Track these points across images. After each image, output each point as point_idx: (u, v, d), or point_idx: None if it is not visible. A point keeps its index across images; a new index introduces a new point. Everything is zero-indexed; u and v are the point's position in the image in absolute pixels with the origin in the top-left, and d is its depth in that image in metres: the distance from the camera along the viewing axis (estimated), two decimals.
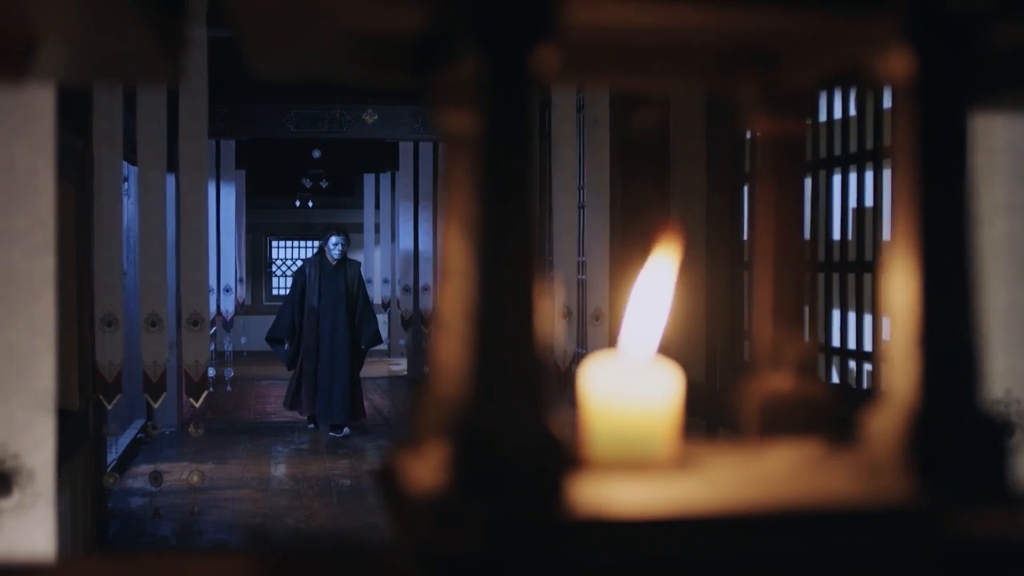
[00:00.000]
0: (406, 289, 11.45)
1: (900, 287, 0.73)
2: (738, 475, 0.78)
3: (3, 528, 1.76)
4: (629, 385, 0.79)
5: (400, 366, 15.66)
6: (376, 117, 10.05)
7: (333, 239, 10.20)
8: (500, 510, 0.62)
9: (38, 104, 1.77)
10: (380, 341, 10.84)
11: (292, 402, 10.38)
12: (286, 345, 10.32)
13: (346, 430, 10.17)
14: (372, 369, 15.78)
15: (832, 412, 0.92)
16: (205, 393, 6.05)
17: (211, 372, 6.43)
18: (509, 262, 0.65)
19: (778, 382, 0.93)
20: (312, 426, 10.43)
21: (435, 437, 0.88)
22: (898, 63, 0.72)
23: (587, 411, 0.78)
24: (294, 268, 18.59)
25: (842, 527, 0.70)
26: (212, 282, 9.95)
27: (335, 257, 10.15)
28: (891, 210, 0.73)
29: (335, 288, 10.13)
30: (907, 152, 0.72)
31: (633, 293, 0.84)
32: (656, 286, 0.85)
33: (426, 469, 0.77)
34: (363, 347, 10.37)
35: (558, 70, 0.66)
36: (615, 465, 0.77)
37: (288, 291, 10.78)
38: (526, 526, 0.62)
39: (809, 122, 0.92)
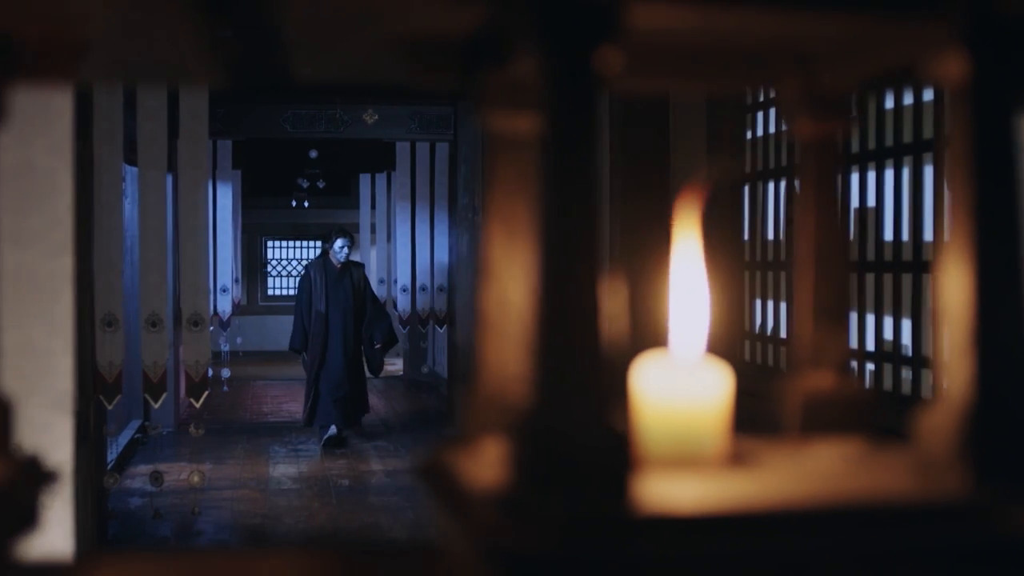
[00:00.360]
0: (403, 289, 11.45)
1: (954, 287, 0.74)
2: (789, 472, 0.79)
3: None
4: (680, 384, 0.80)
5: (396, 366, 15.65)
6: (376, 117, 10.05)
7: (339, 241, 9.88)
8: (570, 508, 0.63)
9: (56, 106, 1.77)
10: (396, 340, 10.43)
11: (308, 418, 9.92)
12: (304, 356, 9.97)
13: (344, 435, 9.87)
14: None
15: (873, 411, 0.93)
16: (206, 393, 6.04)
17: (210, 372, 6.43)
18: (574, 262, 0.66)
19: (819, 381, 0.93)
20: (332, 431, 9.77)
21: (483, 435, 0.89)
22: (952, 65, 0.73)
23: (639, 410, 0.79)
24: (289, 268, 18.58)
25: (898, 523, 0.70)
26: (209, 282, 9.83)
27: (340, 260, 9.85)
28: (946, 212, 0.74)
29: (342, 292, 9.83)
30: (960, 154, 0.73)
31: (672, 291, 0.85)
32: (692, 281, 0.85)
33: (484, 467, 0.78)
34: (377, 345, 10.02)
35: (620, 70, 0.67)
36: (668, 463, 0.77)
37: (296, 300, 10.31)
38: (596, 524, 0.63)
39: (850, 123, 0.93)
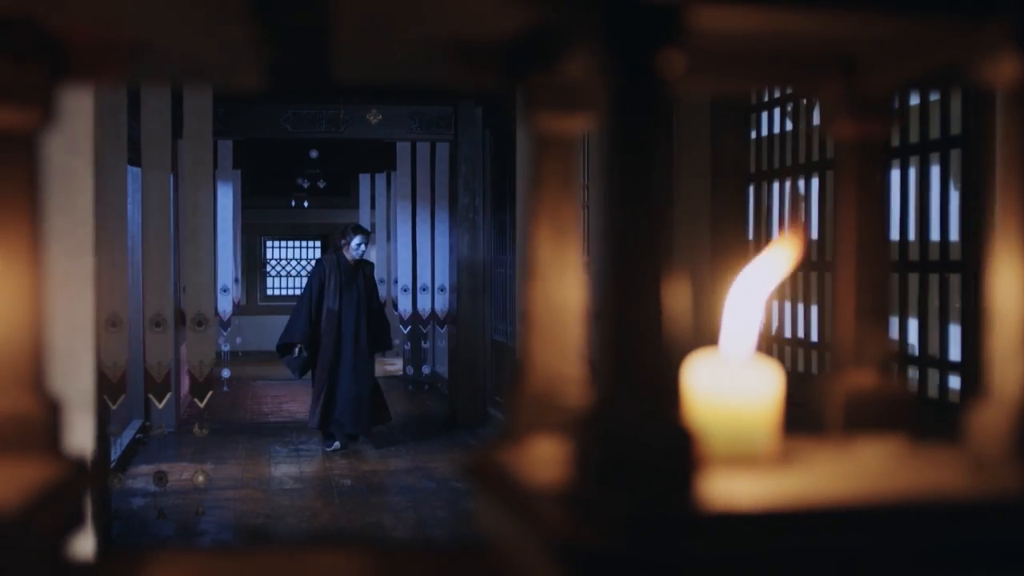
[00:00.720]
0: (404, 290, 11.45)
1: (1006, 288, 0.75)
2: (839, 469, 0.80)
3: None
4: (732, 383, 0.80)
5: (395, 366, 15.64)
6: (380, 117, 10.05)
7: (357, 239, 9.48)
8: (637, 506, 0.63)
9: (76, 105, 1.78)
10: (390, 346, 10.23)
11: (321, 421, 9.52)
12: (297, 352, 9.51)
13: (336, 444, 9.48)
14: None
15: (914, 410, 0.94)
16: (210, 393, 6.05)
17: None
18: (639, 262, 0.66)
19: (861, 380, 0.94)
20: (335, 447, 9.45)
21: (530, 433, 0.90)
22: (1005, 67, 0.74)
23: (692, 408, 0.79)
24: (289, 268, 18.57)
25: (952, 520, 0.71)
26: (214, 282, 9.74)
27: (355, 257, 9.48)
28: (997, 213, 0.75)
29: (355, 289, 9.47)
30: (1014, 156, 0.73)
31: (730, 294, 0.85)
32: (753, 287, 0.86)
33: (540, 466, 0.78)
34: (379, 351, 9.73)
35: (683, 72, 0.68)
36: (720, 461, 0.78)
37: (302, 292, 9.82)
38: (662, 521, 0.63)
39: (891, 123, 0.94)
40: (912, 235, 4.16)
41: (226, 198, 11.30)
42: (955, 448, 0.87)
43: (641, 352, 0.66)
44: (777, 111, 5.16)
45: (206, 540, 6.78)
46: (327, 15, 0.83)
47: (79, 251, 1.78)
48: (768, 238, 5.25)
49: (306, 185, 12.78)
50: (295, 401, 12.76)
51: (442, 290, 11.09)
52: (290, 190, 15.64)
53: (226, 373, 10.88)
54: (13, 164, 0.85)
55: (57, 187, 1.80)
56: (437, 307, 11.07)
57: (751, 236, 5.44)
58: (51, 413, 0.86)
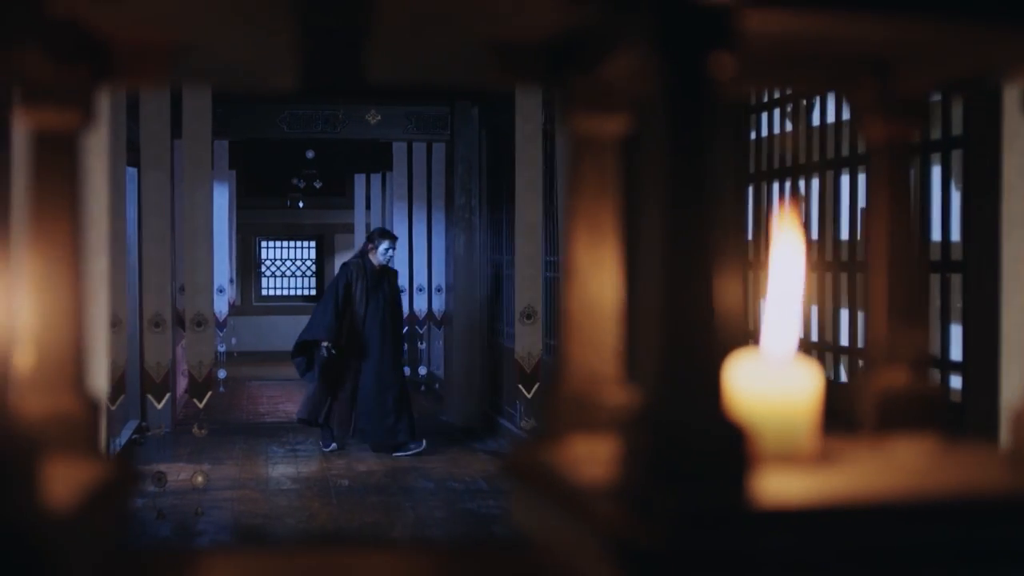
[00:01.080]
0: (401, 290, 11.45)
1: (1019, 287, 0.75)
2: (879, 467, 0.81)
3: None
4: (773, 382, 0.81)
5: None
6: (379, 118, 10.04)
7: (385, 244, 9.23)
8: (692, 503, 0.64)
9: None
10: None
11: (312, 415, 9.30)
12: (324, 351, 9.09)
13: (412, 446, 9.21)
14: None
15: (947, 409, 0.95)
16: (209, 394, 6.05)
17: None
18: (691, 262, 0.67)
19: (894, 379, 0.95)
20: (333, 448, 9.32)
21: (569, 432, 0.90)
22: None
23: (733, 406, 0.80)
24: (283, 268, 18.55)
25: (998, 518, 0.72)
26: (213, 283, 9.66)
27: (381, 263, 9.20)
28: (1005, 213, 0.76)
29: (381, 296, 9.19)
30: None
31: (768, 293, 0.86)
32: (787, 284, 0.87)
33: (588, 464, 0.79)
34: None
35: (734, 75, 0.68)
36: (763, 459, 0.79)
37: (327, 293, 9.41)
38: (718, 518, 0.64)
39: (922, 125, 0.95)
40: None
41: (221, 198, 11.29)
42: (988, 447, 0.88)
43: (693, 351, 0.67)
44: (777, 112, 5.17)
45: (204, 541, 6.78)
46: (370, 16, 0.84)
47: (94, 252, 1.78)
48: (767, 238, 5.26)
49: (302, 185, 12.78)
50: (291, 401, 12.76)
51: (439, 290, 11.09)
52: (285, 190, 15.65)
53: (222, 374, 10.87)
54: (55, 165, 0.86)
55: None
56: (434, 307, 11.07)
57: (750, 236, 5.45)
58: (92, 413, 0.87)
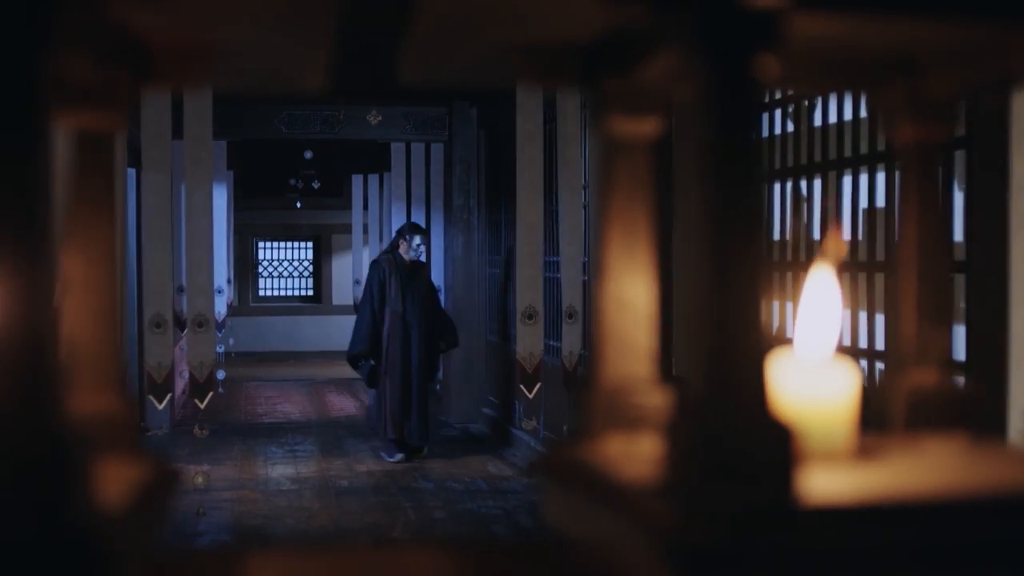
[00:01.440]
0: (437, 289, 11.44)
1: None
2: (916, 465, 0.82)
3: None
4: (811, 383, 0.82)
5: None
6: (380, 118, 10.04)
7: (417, 239, 8.88)
8: (742, 501, 0.65)
9: None
10: (457, 344, 9.51)
11: (378, 425, 9.03)
12: (364, 364, 8.86)
13: (425, 450, 9.00)
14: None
15: (977, 407, 0.96)
16: (211, 394, 6.05)
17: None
18: (738, 263, 0.68)
19: (923, 378, 0.96)
20: (399, 457, 8.90)
21: (603, 432, 0.91)
22: None
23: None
24: (280, 269, 18.54)
25: None
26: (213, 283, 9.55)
27: (412, 258, 8.87)
28: (1014, 214, 0.77)
29: (417, 291, 8.87)
30: None
31: (804, 296, 0.87)
32: (825, 288, 0.88)
33: (630, 463, 0.80)
34: (445, 349, 9.16)
35: (778, 77, 0.69)
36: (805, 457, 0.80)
37: (363, 297, 9.12)
38: (768, 516, 0.65)
39: (951, 127, 0.95)
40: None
41: (219, 199, 11.28)
42: (1017, 446, 0.89)
43: (740, 351, 0.67)
44: (779, 112, 5.18)
45: (205, 541, 6.78)
46: (409, 19, 0.84)
47: None
48: (770, 238, 5.27)
49: (300, 186, 12.78)
50: (289, 402, 12.76)
51: (438, 290, 11.09)
52: (282, 191, 15.64)
53: (221, 375, 10.86)
54: (96, 166, 0.86)
55: None
56: None
57: None
58: (134, 412, 0.87)
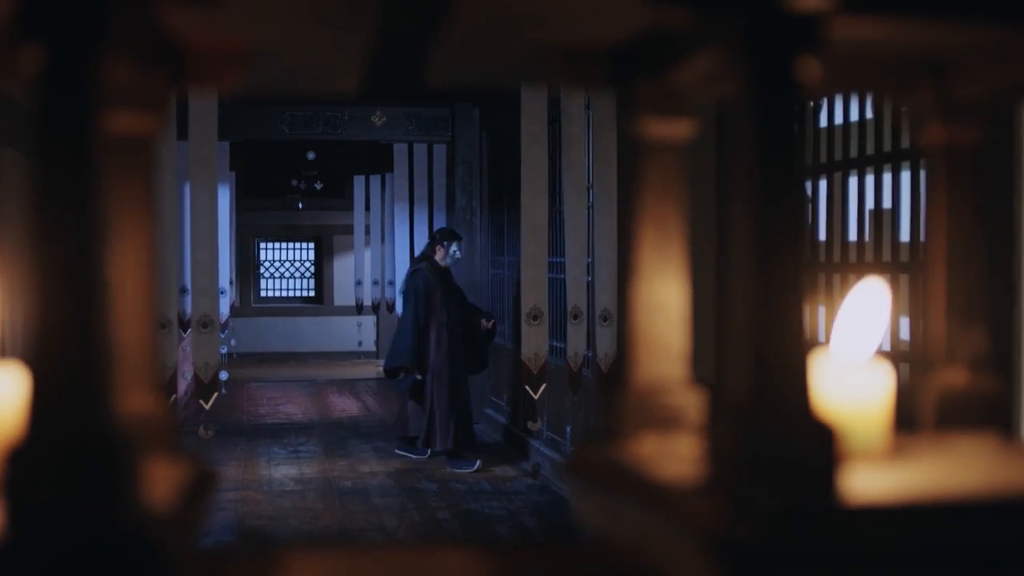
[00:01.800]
0: (402, 292, 11.43)
1: None
2: (953, 464, 0.82)
3: None
4: (847, 384, 0.82)
5: None
6: (385, 119, 10.05)
7: (455, 246, 8.81)
8: (788, 500, 0.65)
9: None
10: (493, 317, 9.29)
11: (414, 432, 8.86)
12: (405, 376, 8.71)
13: (477, 463, 8.74)
14: (361, 371, 15.80)
15: (1007, 407, 0.96)
16: (215, 395, 6.06)
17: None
18: (781, 262, 0.68)
19: (953, 378, 0.96)
20: (477, 465, 8.66)
21: (636, 432, 0.91)
22: None
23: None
24: (282, 270, 18.54)
25: None
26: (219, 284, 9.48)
27: (448, 265, 8.81)
28: None
29: (456, 297, 8.77)
30: None
31: (848, 299, 0.88)
32: (872, 293, 0.88)
33: (666, 462, 0.80)
34: (489, 323, 8.94)
35: (821, 80, 0.70)
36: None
37: (406, 309, 8.84)
38: (813, 514, 0.65)
39: (981, 129, 0.96)
40: (923, 236, 4.18)
41: (222, 200, 11.26)
42: None
43: (783, 351, 0.68)
44: None
45: (208, 542, 6.79)
46: (445, 20, 0.85)
47: None
48: None
49: (303, 187, 12.78)
50: (291, 403, 12.77)
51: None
52: (284, 192, 15.64)
53: (224, 375, 10.87)
54: (135, 169, 0.87)
55: None
56: None
57: None
58: (172, 412, 0.88)
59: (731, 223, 0.71)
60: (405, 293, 8.95)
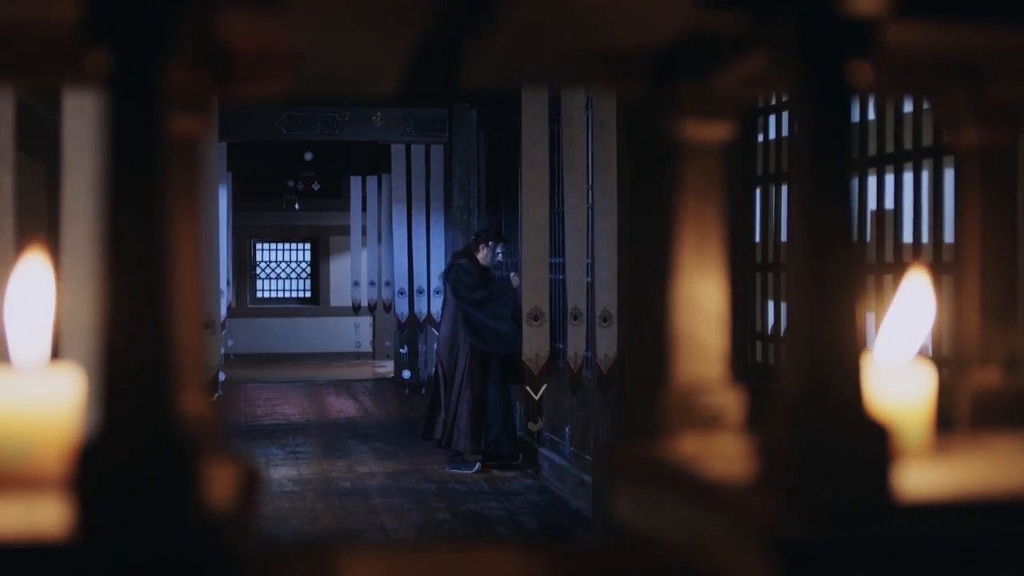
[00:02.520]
0: (401, 293, 11.44)
1: None
2: (996, 463, 0.83)
3: None
4: (888, 385, 0.83)
5: (386, 368, 15.65)
6: (384, 120, 10.05)
7: (501, 247, 8.59)
8: (844, 497, 0.66)
9: None
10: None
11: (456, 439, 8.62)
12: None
13: (477, 465, 8.57)
14: (358, 371, 15.81)
15: None
16: (216, 396, 6.05)
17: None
18: (836, 263, 0.69)
19: (987, 378, 0.97)
20: (477, 468, 8.57)
21: (675, 431, 0.92)
22: None
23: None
24: (278, 271, 18.53)
25: None
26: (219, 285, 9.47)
27: (490, 265, 8.55)
28: None
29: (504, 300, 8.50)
30: None
31: (895, 301, 0.89)
32: (913, 296, 0.89)
33: (718, 461, 0.81)
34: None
35: (872, 83, 0.71)
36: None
37: (467, 293, 8.48)
38: (867, 511, 0.66)
39: (1015, 132, 0.97)
40: (925, 238, 4.21)
41: (220, 200, 11.27)
42: None
43: (838, 351, 0.69)
44: (785, 115, 5.20)
45: None
46: (493, 23, 0.85)
47: None
48: (775, 240, 5.29)
49: (301, 188, 12.78)
50: (288, 403, 12.76)
51: (437, 293, 11.09)
52: (281, 192, 15.63)
53: (221, 376, 10.84)
54: (182, 170, 0.87)
55: None
56: (434, 310, 11.07)
57: (757, 239, 5.48)
58: (219, 412, 0.88)
59: (789, 226, 0.72)
60: (455, 284, 8.59)
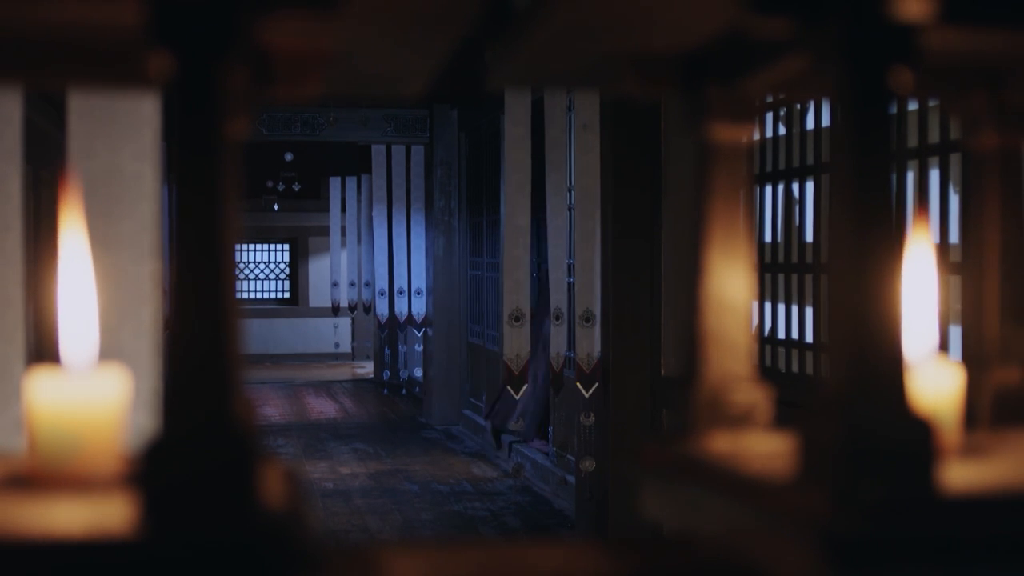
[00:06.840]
0: (381, 293, 11.44)
1: None
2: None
3: None
4: (916, 381, 0.85)
5: (365, 369, 15.64)
6: (367, 120, 10.04)
7: None
8: (892, 492, 0.68)
9: (144, 111, 1.80)
10: None
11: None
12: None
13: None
14: (337, 372, 15.77)
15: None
16: None
17: None
18: (878, 260, 0.71)
19: (1007, 377, 0.99)
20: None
21: (709, 429, 0.94)
22: None
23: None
24: (257, 272, 18.47)
25: None
26: None
27: None
28: None
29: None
30: None
31: (904, 294, 0.90)
32: (919, 284, 0.91)
33: (757, 457, 0.83)
34: None
35: (913, 87, 0.72)
36: None
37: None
38: (913, 505, 0.68)
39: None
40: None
41: None
42: None
43: (880, 346, 0.70)
44: (769, 116, 5.23)
45: None
46: (526, 26, 0.87)
47: (146, 256, 1.81)
48: (775, 241, 5.31)
49: (281, 188, 12.75)
50: (267, 405, 12.72)
51: (419, 293, 11.10)
52: (260, 193, 15.57)
53: None
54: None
55: (125, 193, 1.82)
56: (414, 310, 11.07)
57: (765, 238, 5.50)
58: (252, 413, 0.89)
59: (830, 229, 0.74)
60: None
